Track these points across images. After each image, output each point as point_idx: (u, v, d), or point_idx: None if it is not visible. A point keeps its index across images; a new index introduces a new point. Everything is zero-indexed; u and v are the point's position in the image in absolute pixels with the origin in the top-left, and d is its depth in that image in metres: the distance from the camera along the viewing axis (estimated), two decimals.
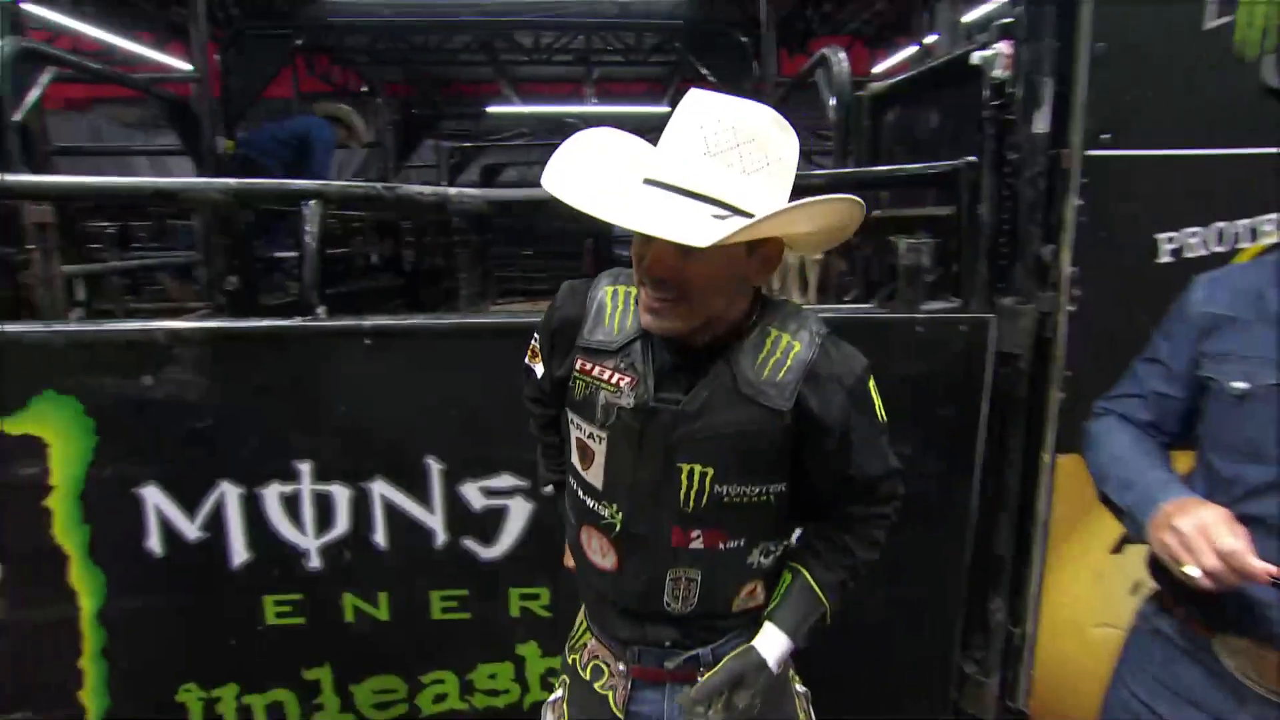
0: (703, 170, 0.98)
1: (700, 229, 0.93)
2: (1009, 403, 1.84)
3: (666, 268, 1.00)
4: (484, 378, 1.76)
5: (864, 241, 2.97)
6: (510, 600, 1.89)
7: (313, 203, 1.81)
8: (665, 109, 11.72)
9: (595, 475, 1.14)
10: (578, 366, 1.13)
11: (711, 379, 1.06)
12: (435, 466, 1.80)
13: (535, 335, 1.26)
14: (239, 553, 1.81)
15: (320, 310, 1.79)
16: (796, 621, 1.16)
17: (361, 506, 1.81)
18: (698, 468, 1.06)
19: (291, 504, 1.80)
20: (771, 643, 1.15)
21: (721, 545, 1.12)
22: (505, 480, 1.83)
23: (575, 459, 1.17)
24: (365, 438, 1.79)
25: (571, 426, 1.17)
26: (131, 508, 1.77)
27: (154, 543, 1.80)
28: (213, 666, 1.88)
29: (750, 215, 0.98)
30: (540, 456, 1.39)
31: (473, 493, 1.82)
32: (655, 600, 1.14)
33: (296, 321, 1.77)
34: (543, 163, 1.01)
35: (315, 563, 1.83)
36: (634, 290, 1.11)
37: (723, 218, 0.97)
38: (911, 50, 7.49)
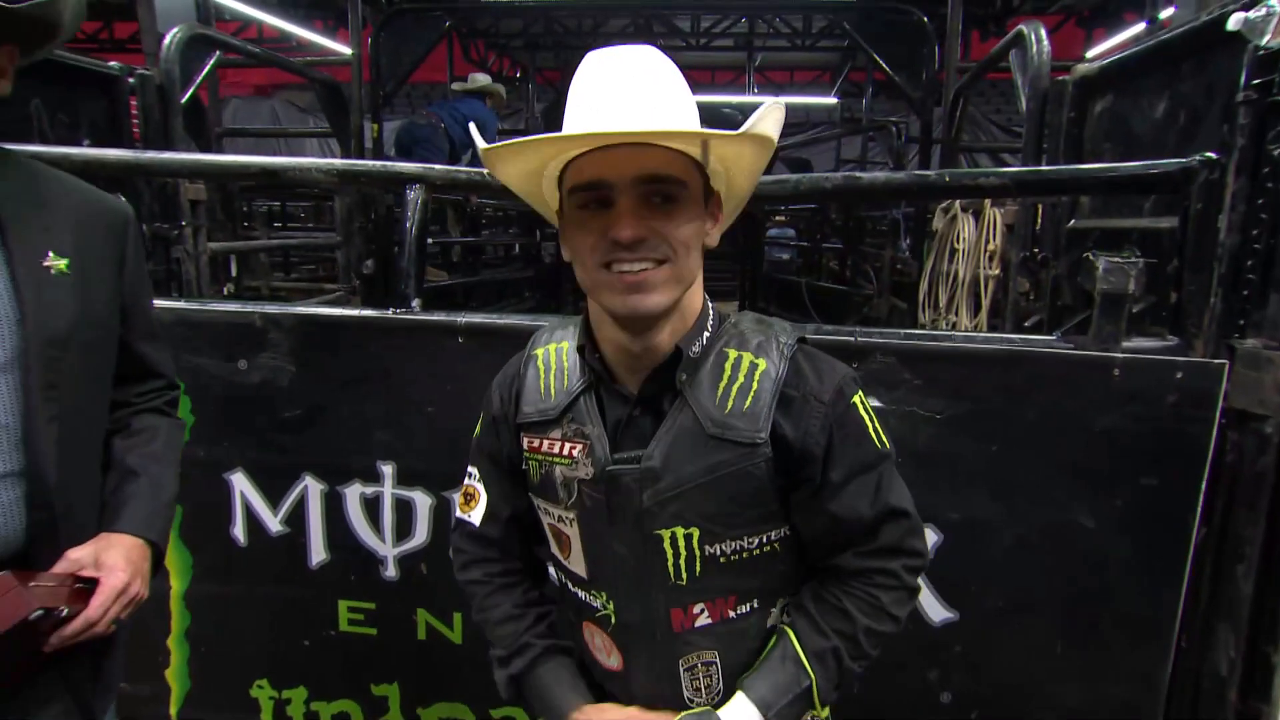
0: (632, 100, 0.91)
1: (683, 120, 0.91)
2: (1242, 478, 1.51)
3: (639, 222, 0.91)
4: (466, 380, 1.64)
5: (1056, 257, 2.62)
6: None
7: (416, 187, 1.77)
8: (833, 100, 11.34)
9: (577, 562, 1.07)
10: (526, 446, 1.07)
11: (670, 424, 0.98)
12: None
13: (469, 470, 1.17)
14: (318, 551, 1.82)
15: (415, 303, 1.76)
16: (773, 694, 1.01)
17: (443, 517, 1.77)
18: (679, 531, 0.98)
19: (372, 507, 1.79)
20: (738, 714, 1.00)
21: (732, 614, 1.03)
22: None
23: (554, 549, 1.11)
24: (453, 442, 1.69)
25: (540, 513, 1.10)
26: (220, 493, 1.82)
27: (238, 531, 1.83)
28: (286, 666, 1.90)
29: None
30: (507, 634, 1.13)
31: None
32: (674, 697, 1.05)
33: (388, 313, 1.74)
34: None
35: (391, 572, 1.81)
36: (565, 345, 1.08)
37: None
38: (1138, 29, 6.63)
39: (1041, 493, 1.55)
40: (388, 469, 1.77)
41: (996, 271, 3.08)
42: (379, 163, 1.84)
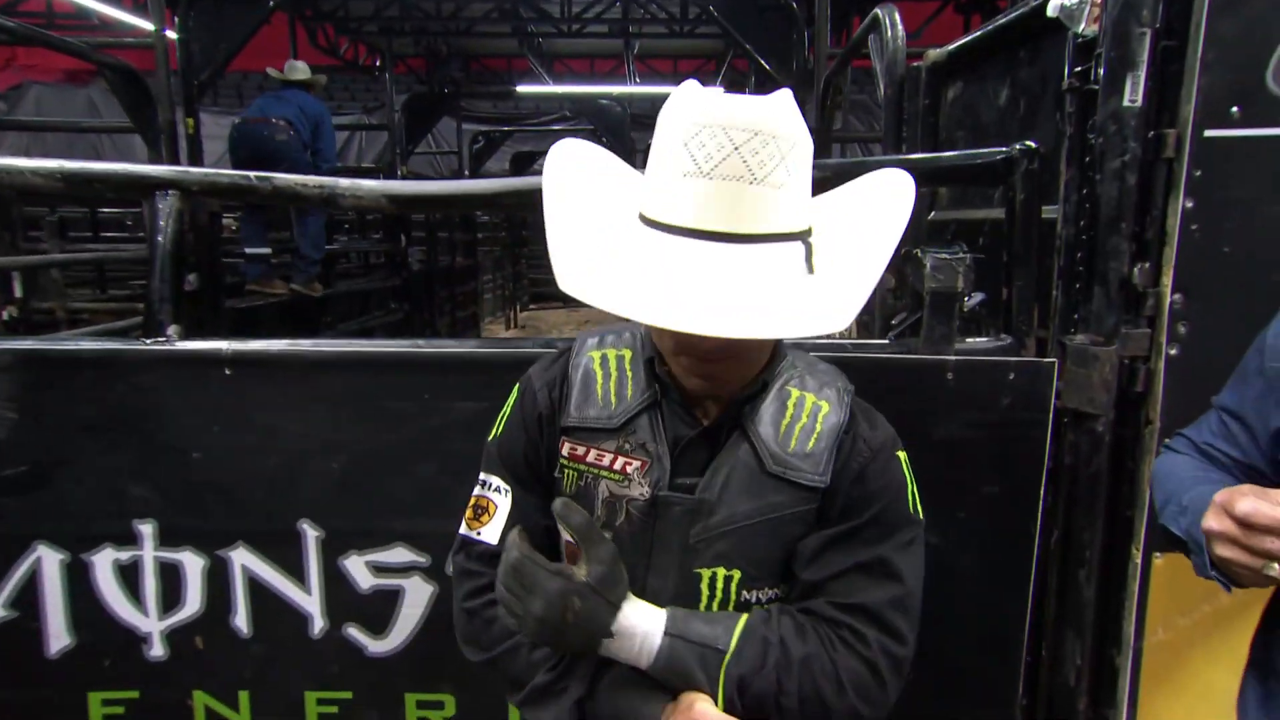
0: (751, 198, 0.86)
1: (825, 304, 0.85)
2: (1080, 481, 1.54)
3: (744, 346, 0.93)
4: (378, 421, 1.60)
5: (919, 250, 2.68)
6: (406, 708, 1.68)
7: (169, 194, 1.61)
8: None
9: None
10: (565, 453, 1.04)
11: (728, 456, 0.99)
12: (312, 533, 1.63)
13: (485, 479, 1.10)
14: (58, 636, 1.62)
15: (172, 330, 1.60)
16: (686, 624, 0.95)
17: (218, 580, 1.64)
18: (721, 572, 0.98)
19: (129, 575, 1.63)
20: (644, 615, 0.95)
21: None
22: (400, 554, 1.64)
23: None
24: (225, 492, 1.62)
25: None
26: None
27: None
28: None
29: (803, 234, 0.91)
30: (516, 663, 1.05)
31: (359, 569, 1.64)
32: None
33: (136, 344, 1.59)
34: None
35: (157, 650, 1.65)
36: (626, 353, 1.07)
37: (803, 259, 0.90)
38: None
39: None
40: (147, 528, 1.61)
41: None
42: (119, 165, 1.66)
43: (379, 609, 1.64)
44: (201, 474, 1.60)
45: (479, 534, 1.07)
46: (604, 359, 1.07)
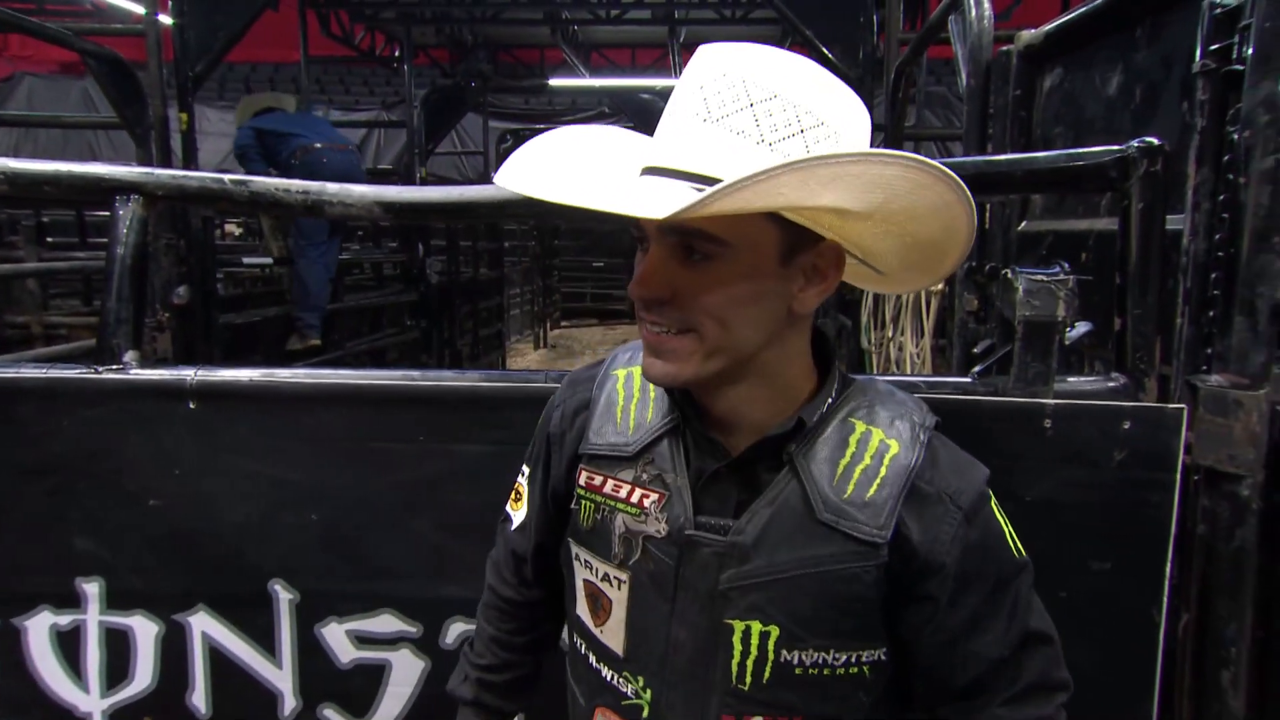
0: (702, 141, 0.89)
1: (658, 199, 0.85)
2: (1220, 557, 1.41)
3: (660, 280, 0.92)
4: (364, 465, 1.55)
5: (1007, 267, 2.56)
6: None
7: (132, 199, 1.59)
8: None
9: (614, 635, 1.06)
10: (582, 482, 1.08)
11: (774, 495, 0.98)
12: (284, 596, 1.58)
13: (523, 467, 1.22)
14: None
15: (129, 356, 1.56)
16: None
17: (174, 650, 1.59)
18: (756, 626, 0.97)
19: (69, 643, 1.59)
20: None
21: None
22: (387, 623, 1.58)
23: (583, 611, 1.10)
24: (184, 548, 1.58)
25: (576, 564, 1.10)
26: None
27: None
28: None
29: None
30: (479, 666, 1.25)
31: (338, 639, 1.59)
32: None
33: (89, 373, 1.54)
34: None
35: None
36: None
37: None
38: None
39: None
40: (92, 588, 1.56)
41: (940, 286, 3.00)
42: (73, 166, 1.61)
43: (361, 687, 1.60)
44: (158, 525, 1.56)
45: (514, 515, 1.21)
46: (629, 377, 1.09)
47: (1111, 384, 1.42)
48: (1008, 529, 1.02)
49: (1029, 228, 2.60)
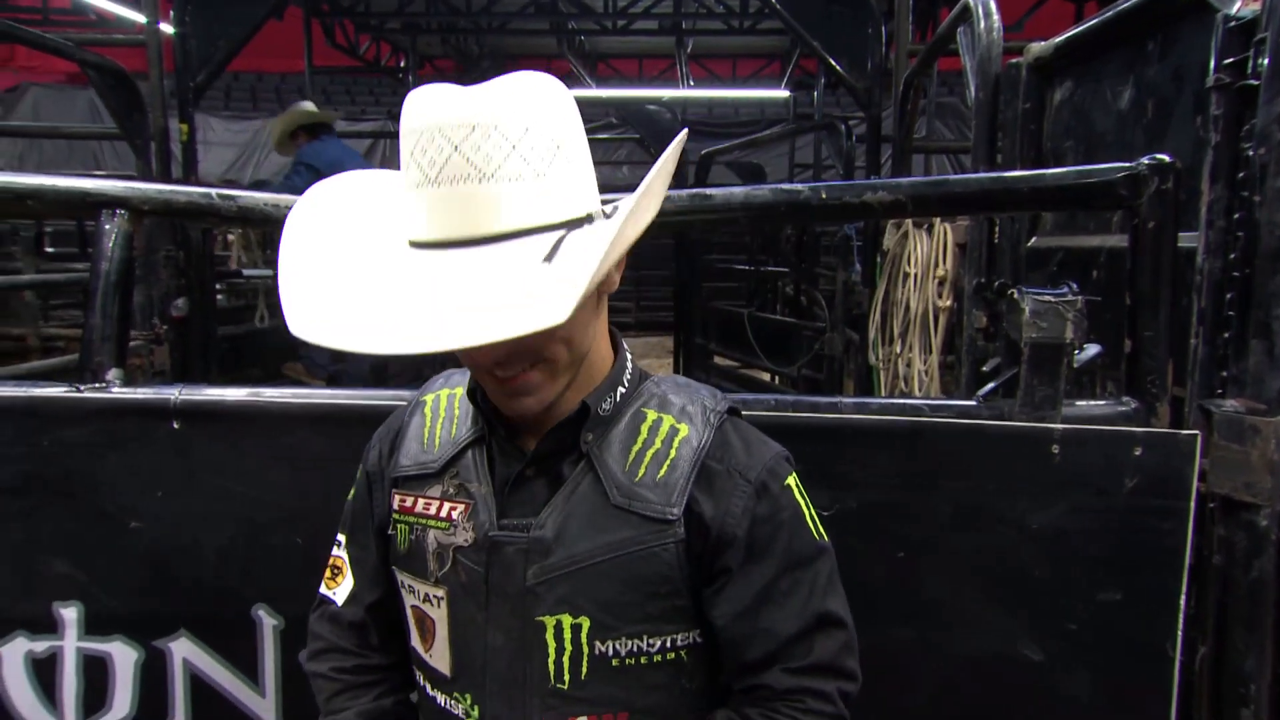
0: (484, 197, 0.89)
1: (551, 295, 0.84)
2: (1237, 589, 1.40)
3: (520, 356, 0.95)
4: (347, 487, 1.47)
5: (1016, 284, 2.54)
6: None
7: (118, 214, 1.58)
8: (783, 93, 11.48)
9: (440, 656, 1.08)
10: (396, 506, 1.10)
11: (571, 488, 1.02)
12: (269, 622, 1.56)
13: (338, 537, 1.21)
14: None
15: (112, 374, 1.55)
16: None
17: (154, 677, 1.57)
18: (566, 619, 1.00)
19: (45, 670, 1.56)
20: None
21: None
22: None
23: (415, 640, 1.12)
24: (166, 572, 1.56)
25: (403, 591, 1.12)
26: None
27: None
28: None
29: (582, 220, 0.93)
30: None
31: None
32: None
33: (67, 391, 1.53)
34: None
35: None
36: (458, 391, 1.12)
37: (549, 252, 0.89)
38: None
39: (967, 615, 1.42)
40: (70, 613, 1.54)
41: (948, 303, 2.98)
42: (57, 180, 1.61)
43: None
44: (139, 548, 1.54)
45: (332, 594, 1.18)
46: (435, 401, 1.14)
47: (1122, 408, 1.42)
48: (808, 510, 1.05)
49: (1039, 243, 2.58)
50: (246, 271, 5.19)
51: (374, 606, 1.15)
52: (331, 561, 1.19)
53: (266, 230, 4.69)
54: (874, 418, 1.42)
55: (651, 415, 1.04)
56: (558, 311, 0.81)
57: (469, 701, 1.05)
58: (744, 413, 1.31)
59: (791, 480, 1.05)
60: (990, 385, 1.46)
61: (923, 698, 1.44)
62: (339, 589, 1.17)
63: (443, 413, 1.11)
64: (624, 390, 1.05)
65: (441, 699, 1.09)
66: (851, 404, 1.41)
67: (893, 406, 1.43)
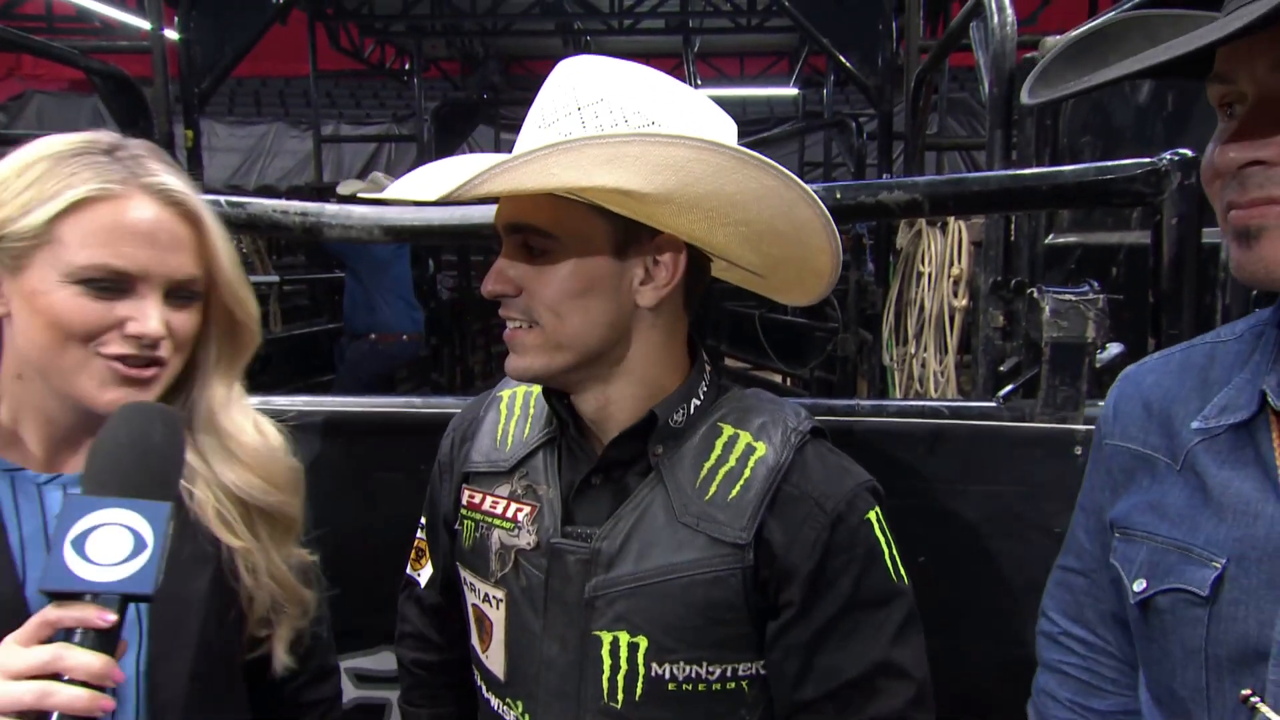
0: (532, 144, 0.89)
1: (435, 186, 0.89)
2: None
3: (504, 275, 0.97)
4: (360, 497, 1.55)
5: (1033, 282, 2.52)
6: None
7: None
8: (792, 90, 11.43)
9: (495, 658, 1.07)
10: (464, 502, 1.11)
11: (638, 501, 0.99)
12: None
13: (422, 519, 1.23)
14: None
15: None
16: None
17: None
18: (624, 637, 0.97)
19: None
20: None
21: None
22: (388, 660, 1.56)
23: (474, 639, 1.12)
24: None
25: (464, 589, 1.12)
26: None
27: None
28: None
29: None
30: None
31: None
32: None
33: None
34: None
35: None
36: (536, 389, 1.10)
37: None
38: None
39: (993, 620, 1.42)
40: None
41: (964, 302, 2.96)
42: None
43: None
44: None
45: (418, 575, 1.22)
46: (512, 397, 1.13)
47: None
48: (888, 549, 1.00)
49: (1056, 241, 2.56)
50: (253, 279, 5.20)
51: (450, 590, 1.18)
52: (416, 544, 1.22)
53: (275, 237, 4.70)
54: (893, 420, 1.41)
55: (728, 430, 1.00)
56: (429, 191, 0.87)
57: (520, 709, 1.04)
58: None
59: (873, 515, 0.99)
60: (1010, 386, 1.44)
61: (947, 706, 1.43)
62: (423, 571, 1.20)
63: (518, 410, 1.10)
64: (699, 403, 1.02)
65: (495, 703, 1.08)
66: (869, 406, 1.40)
67: (912, 409, 1.41)
